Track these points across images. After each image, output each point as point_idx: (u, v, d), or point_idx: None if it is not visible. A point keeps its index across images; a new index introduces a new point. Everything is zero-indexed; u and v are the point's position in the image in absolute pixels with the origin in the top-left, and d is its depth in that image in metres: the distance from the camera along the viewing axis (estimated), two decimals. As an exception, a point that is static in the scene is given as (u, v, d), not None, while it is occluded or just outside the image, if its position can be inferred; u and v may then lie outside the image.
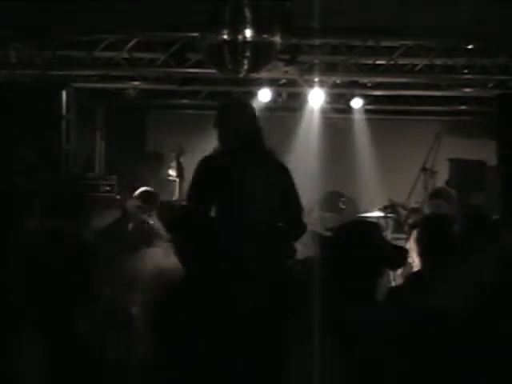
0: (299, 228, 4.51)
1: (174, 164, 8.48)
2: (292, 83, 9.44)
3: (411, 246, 5.29)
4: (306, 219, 4.74)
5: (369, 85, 9.48)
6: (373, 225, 3.36)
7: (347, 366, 2.84)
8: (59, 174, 8.32)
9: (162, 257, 5.41)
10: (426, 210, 7.06)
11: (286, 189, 4.44)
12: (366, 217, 8.55)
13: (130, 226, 6.45)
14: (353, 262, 2.94)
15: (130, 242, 6.07)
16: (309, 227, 6.85)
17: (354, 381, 2.82)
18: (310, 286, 4.40)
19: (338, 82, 9.44)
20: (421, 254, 4.66)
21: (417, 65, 8.60)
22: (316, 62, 8.61)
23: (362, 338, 2.84)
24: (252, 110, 4.60)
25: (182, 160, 8.23)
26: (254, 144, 4.46)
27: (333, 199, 10.23)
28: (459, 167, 10.07)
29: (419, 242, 4.66)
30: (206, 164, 4.49)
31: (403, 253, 3.17)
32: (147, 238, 6.07)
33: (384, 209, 8.12)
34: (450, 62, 8.57)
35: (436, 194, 6.81)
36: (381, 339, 2.83)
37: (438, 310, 3.05)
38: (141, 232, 6.27)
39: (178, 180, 8.16)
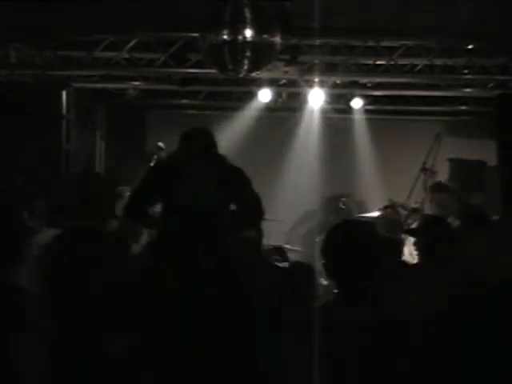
0: (255, 215, 4.79)
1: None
2: (292, 83, 9.44)
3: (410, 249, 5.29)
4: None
5: (369, 85, 9.49)
6: (366, 223, 3.36)
7: (346, 366, 2.84)
8: (86, 175, 8.23)
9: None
10: (429, 205, 7.01)
11: (239, 185, 4.71)
12: (365, 217, 8.54)
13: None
14: (348, 262, 2.94)
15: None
16: (308, 229, 6.89)
17: (354, 381, 2.82)
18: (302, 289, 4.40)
19: (338, 82, 9.45)
20: (420, 256, 4.66)
21: (417, 65, 8.60)
22: (316, 62, 8.61)
23: (360, 338, 2.84)
24: (210, 136, 4.86)
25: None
26: (206, 151, 4.74)
27: (332, 198, 10.25)
28: (459, 167, 10.07)
29: (419, 243, 4.66)
30: (154, 168, 4.81)
31: (399, 247, 3.18)
32: (133, 235, 6.11)
33: (384, 209, 8.11)
34: (449, 62, 8.57)
35: (438, 188, 6.75)
36: (380, 339, 2.83)
37: (438, 310, 3.05)
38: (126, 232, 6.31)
39: None
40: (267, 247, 5.97)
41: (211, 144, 4.79)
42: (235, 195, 4.65)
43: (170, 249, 4.45)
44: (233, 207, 4.76)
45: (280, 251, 7.06)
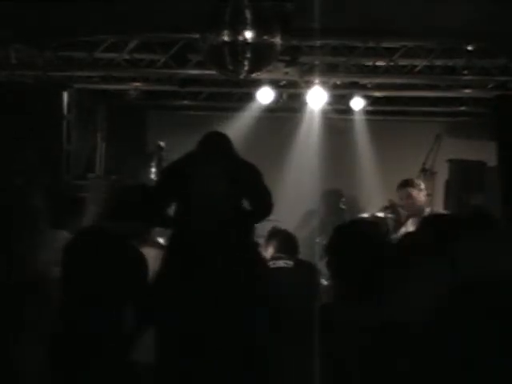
0: (265, 210, 4.86)
1: (154, 163, 8.46)
2: (292, 84, 9.45)
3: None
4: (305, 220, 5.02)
5: (369, 86, 9.49)
6: (373, 224, 3.38)
7: (346, 366, 2.84)
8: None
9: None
10: (397, 201, 7.13)
11: (249, 181, 4.78)
12: (366, 217, 8.54)
13: None
14: (353, 261, 2.94)
15: None
16: (309, 230, 6.85)
17: (354, 381, 2.83)
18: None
19: (339, 82, 9.45)
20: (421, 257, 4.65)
21: (417, 66, 8.61)
22: (316, 62, 8.62)
23: (362, 338, 2.84)
24: (223, 137, 4.96)
25: (164, 158, 8.19)
26: (217, 151, 4.82)
27: (332, 198, 10.23)
28: (459, 168, 10.07)
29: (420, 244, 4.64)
30: (167, 169, 5.08)
31: (404, 252, 3.17)
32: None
33: (384, 209, 8.11)
34: (450, 63, 8.58)
35: (405, 184, 6.85)
36: (381, 339, 2.83)
37: (439, 311, 3.05)
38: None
39: None
40: None
41: (222, 143, 4.85)
42: (246, 191, 4.71)
43: (181, 248, 4.50)
44: (244, 203, 4.82)
45: None
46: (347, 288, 2.97)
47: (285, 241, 6.15)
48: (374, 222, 6.90)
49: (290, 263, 5.88)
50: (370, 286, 2.94)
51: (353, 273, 2.95)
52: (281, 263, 5.87)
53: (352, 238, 3.01)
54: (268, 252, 6.08)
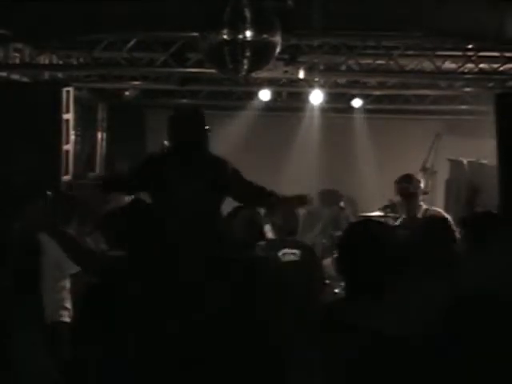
0: (265, 199, 4.89)
1: None
2: (292, 83, 9.45)
3: None
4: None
5: (369, 84, 9.49)
6: (388, 226, 3.37)
7: (348, 367, 2.83)
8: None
9: None
10: (394, 197, 7.16)
11: (230, 179, 4.77)
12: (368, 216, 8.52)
13: None
14: (362, 262, 2.93)
15: None
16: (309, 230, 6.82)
17: (359, 381, 2.82)
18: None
19: (338, 81, 9.45)
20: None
21: (416, 64, 8.60)
22: (316, 61, 8.62)
23: (363, 339, 2.84)
24: (199, 118, 4.96)
25: None
26: (194, 146, 4.85)
27: (331, 197, 10.23)
28: (459, 167, 10.06)
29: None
30: (145, 161, 5.15)
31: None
32: None
33: (384, 208, 8.10)
34: (449, 61, 8.58)
35: (404, 180, 6.86)
36: (383, 341, 2.83)
37: (442, 318, 3.05)
38: None
39: None
40: None
41: (202, 140, 4.77)
42: (234, 191, 4.65)
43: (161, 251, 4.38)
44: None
45: None
46: (354, 287, 2.96)
47: None
48: (391, 224, 6.88)
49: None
50: (378, 287, 2.92)
51: (362, 272, 2.93)
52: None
53: (364, 238, 3.00)
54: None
